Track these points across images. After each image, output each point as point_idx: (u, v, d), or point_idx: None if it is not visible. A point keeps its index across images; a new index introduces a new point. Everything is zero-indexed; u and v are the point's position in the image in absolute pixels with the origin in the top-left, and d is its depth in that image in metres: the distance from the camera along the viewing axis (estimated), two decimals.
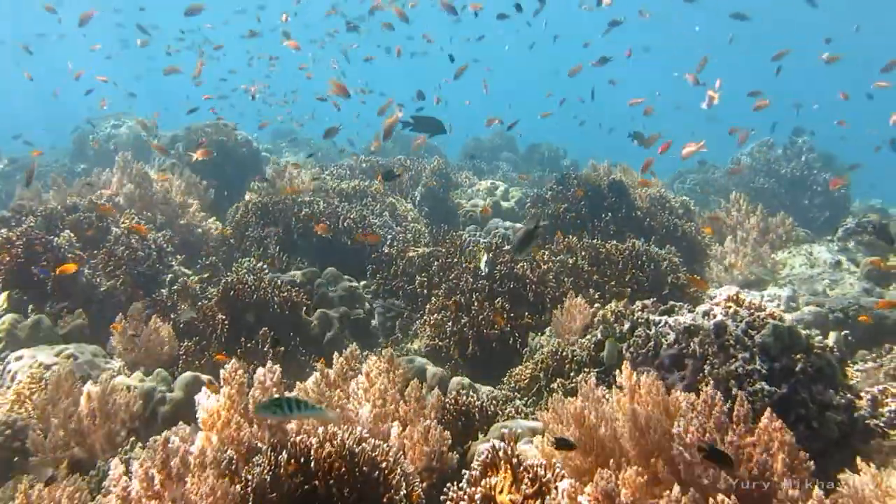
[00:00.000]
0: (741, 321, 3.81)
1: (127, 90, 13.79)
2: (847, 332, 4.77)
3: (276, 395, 3.60)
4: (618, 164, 8.69)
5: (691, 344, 3.81)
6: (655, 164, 9.47)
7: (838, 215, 10.70)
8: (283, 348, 5.40)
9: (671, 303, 4.23)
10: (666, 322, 4.04)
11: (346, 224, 7.30)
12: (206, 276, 6.57)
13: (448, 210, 9.11)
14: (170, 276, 6.32)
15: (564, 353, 4.24)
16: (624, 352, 4.09)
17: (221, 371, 3.82)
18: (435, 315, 5.68)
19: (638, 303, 4.41)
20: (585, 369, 4.13)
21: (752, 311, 3.89)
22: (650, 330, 4.07)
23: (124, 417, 3.77)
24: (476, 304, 5.55)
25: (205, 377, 4.39)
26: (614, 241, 6.30)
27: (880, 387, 4.08)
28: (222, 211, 8.44)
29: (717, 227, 7.39)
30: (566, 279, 5.84)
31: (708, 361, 3.70)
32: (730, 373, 3.62)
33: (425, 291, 6.15)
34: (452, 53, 8.13)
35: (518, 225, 8.17)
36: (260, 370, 3.69)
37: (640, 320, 4.20)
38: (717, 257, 6.87)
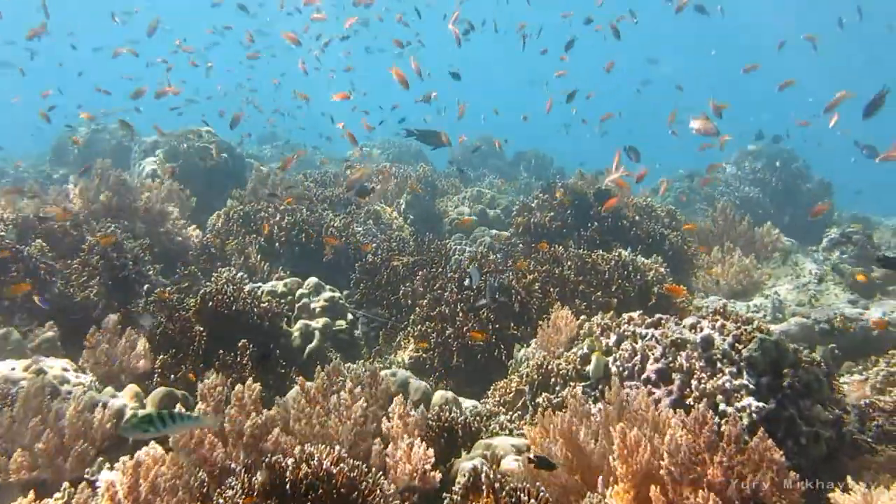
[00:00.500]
0: (728, 335, 3.75)
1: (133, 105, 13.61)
2: (833, 345, 4.73)
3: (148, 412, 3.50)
4: (605, 171, 8.64)
5: (678, 358, 3.73)
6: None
7: (821, 225, 10.72)
8: (265, 361, 5.28)
9: (658, 315, 4.16)
10: (653, 335, 3.97)
11: (329, 232, 7.18)
12: (184, 285, 6.43)
13: (434, 218, 9.02)
14: (146, 286, 6.17)
15: (550, 367, 4.15)
16: (610, 365, 4.01)
17: (200, 386, 3.71)
18: (419, 326, 5.58)
19: (624, 315, 4.33)
20: (571, 383, 4.04)
21: (739, 324, 3.83)
22: (637, 343, 3.99)
23: (95, 437, 3.64)
24: (461, 314, 5.46)
25: (179, 392, 4.26)
26: (601, 251, 6.24)
27: (867, 400, 4.03)
28: (204, 219, 8.30)
29: (703, 238, 7.34)
30: (552, 289, 5.76)
31: (695, 376, 3.63)
32: (717, 388, 3.54)
33: (409, 302, 6.05)
34: (457, 72, 8.12)
35: (504, 233, 8.09)
36: (238, 386, 3.59)
37: (626, 333, 4.13)
38: (703, 267, 6.83)
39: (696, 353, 3.70)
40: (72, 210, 6.58)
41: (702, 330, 3.86)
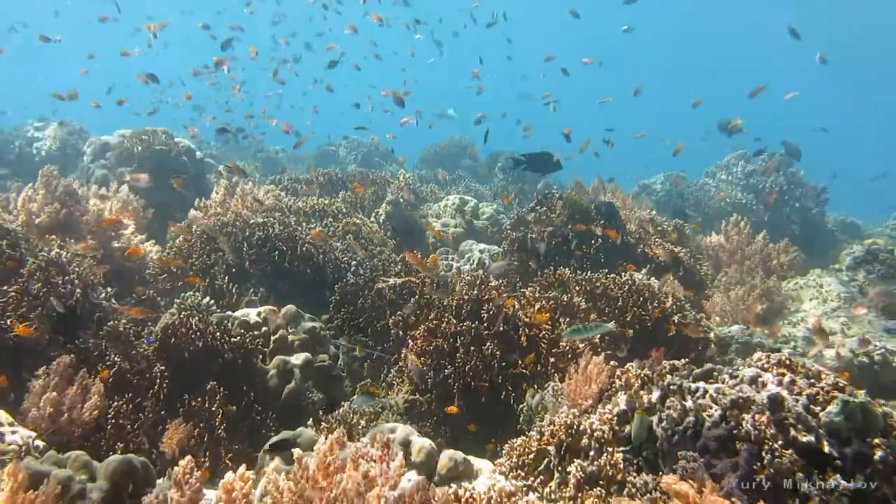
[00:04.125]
0: (801, 394, 3.17)
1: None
2: None
3: None
4: (611, 181, 8.06)
5: (743, 423, 3.14)
6: (619, 174, 9.07)
7: (815, 233, 10.35)
8: (234, 407, 4.56)
9: (708, 366, 3.56)
10: (705, 391, 3.37)
11: (305, 249, 6.46)
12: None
13: (416, 230, 8.34)
14: (98, 315, 5.37)
15: (582, 427, 3.53)
16: (655, 427, 3.40)
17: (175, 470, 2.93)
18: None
19: (665, 363, 3.73)
20: (609, 448, 3.42)
21: (811, 380, 3.25)
22: (686, 401, 3.39)
23: None
24: (461, 350, 4.81)
25: (138, 461, 3.51)
26: (612, 274, 5.65)
27: None
28: (161, 231, 7.48)
29: (711, 255, 6.81)
30: (561, 319, 5.15)
31: (766, 447, 3.04)
32: (795, 462, 2.96)
33: (400, 333, 5.38)
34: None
35: (495, 248, 7.45)
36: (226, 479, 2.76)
37: (671, 387, 3.52)
38: (719, 289, 6.28)
39: (763, 418, 3.11)
40: (7, 227, 5.73)
41: (765, 385, 3.28)
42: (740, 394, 3.25)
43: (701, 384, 3.46)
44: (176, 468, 2.92)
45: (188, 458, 2.92)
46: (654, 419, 3.43)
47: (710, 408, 3.28)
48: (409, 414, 4.73)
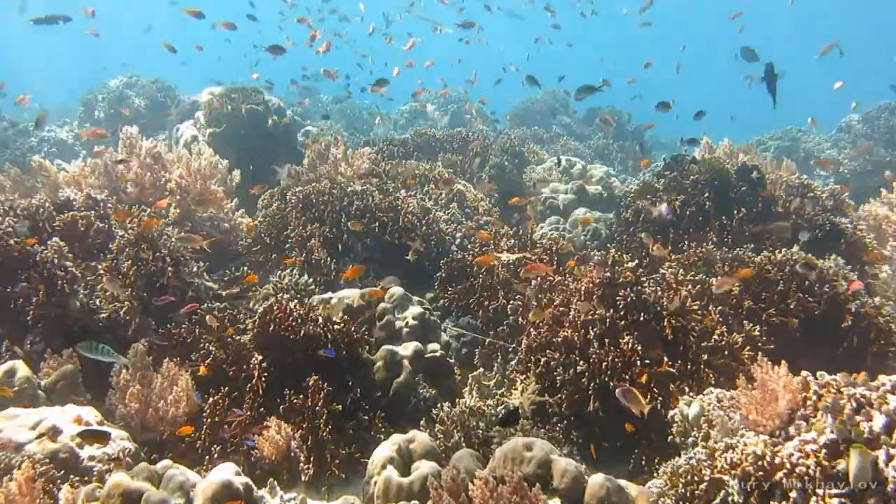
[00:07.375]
0: None
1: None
2: None
3: None
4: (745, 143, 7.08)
5: None
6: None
7: None
8: (339, 406, 4.03)
9: None
10: None
11: (406, 220, 5.86)
12: (235, 291, 5.21)
13: (523, 195, 7.61)
14: (190, 293, 4.95)
15: (776, 460, 2.80)
16: (883, 465, 2.64)
17: None
18: (537, 356, 4.27)
19: (885, 379, 2.94)
20: (817, 490, 2.69)
21: None
22: None
23: None
24: (596, 344, 4.13)
25: (239, 482, 3.02)
26: (765, 251, 4.81)
27: None
28: (252, 198, 7.02)
29: (873, 226, 5.82)
30: (711, 307, 4.38)
31: None
32: None
33: (520, 320, 4.74)
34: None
35: (610, 216, 6.66)
36: None
37: None
38: (889, 269, 5.33)
39: None
40: (95, 197, 5.37)
41: None
42: None
43: None
44: None
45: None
46: (880, 455, 2.67)
47: None
48: (536, 419, 4.10)
